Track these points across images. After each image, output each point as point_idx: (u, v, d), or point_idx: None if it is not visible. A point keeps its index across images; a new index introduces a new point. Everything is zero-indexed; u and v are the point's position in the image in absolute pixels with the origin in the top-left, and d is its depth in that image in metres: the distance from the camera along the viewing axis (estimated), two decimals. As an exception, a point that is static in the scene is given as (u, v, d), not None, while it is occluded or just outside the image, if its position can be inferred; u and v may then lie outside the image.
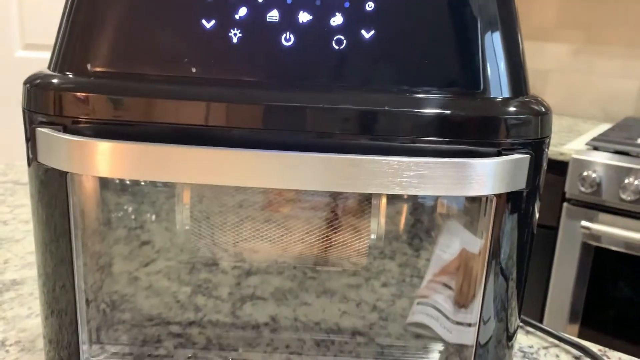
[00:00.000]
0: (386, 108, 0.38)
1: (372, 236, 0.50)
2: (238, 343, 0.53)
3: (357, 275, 0.58)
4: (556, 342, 0.59)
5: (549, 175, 1.43)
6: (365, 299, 0.57)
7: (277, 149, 0.38)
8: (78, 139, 0.38)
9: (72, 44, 0.40)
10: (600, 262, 1.40)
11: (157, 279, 0.56)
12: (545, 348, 0.58)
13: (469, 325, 0.46)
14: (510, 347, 0.46)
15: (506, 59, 0.40)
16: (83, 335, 0.45)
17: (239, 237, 0.50)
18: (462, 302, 0.49)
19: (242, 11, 0.39)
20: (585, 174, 1.37)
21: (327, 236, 0.50)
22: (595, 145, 1.41)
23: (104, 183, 0.49)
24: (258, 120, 0.39)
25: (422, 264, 0.56)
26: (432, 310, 0.54)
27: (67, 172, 0.40)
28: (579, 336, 1.32)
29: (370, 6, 0.39)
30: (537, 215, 0.43)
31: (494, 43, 0.40)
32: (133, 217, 0.55)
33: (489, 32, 0.40)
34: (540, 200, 0.42)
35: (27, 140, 0.40)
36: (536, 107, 0.40)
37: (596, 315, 1.43)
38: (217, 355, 0.51)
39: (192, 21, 0.39)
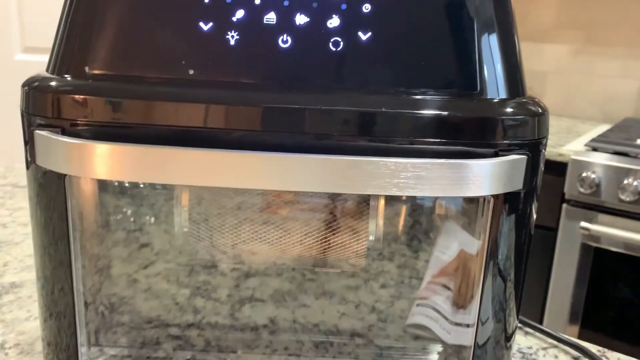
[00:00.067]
0: (383, 109, 0.38)
1: (371, 237, 0.50)
2: (237, 345, 0.53)
3: (356, 276, 0.59)
4: (555, 342, 0.59)
5: (548, 176, 1.43)
6: (364, 301, 0.58)
7: (275, 151, 0.38)
8: (76, 142, 0.38)
9: (71, 47, 0.40)
10: (599, 262, 1.40)
11: (156, 281, 0.56)
12: (544, 349, 0.58)
13: (468, 326, 0.46)
14: (509, 348, 0.46)
15: (503, 60, 0.40)
16: (82, 338, 0.45)
17: (238, 239, 0.50)
18: (460, 303, 0.49)
19: (240, 13, 0.40)
20: (584, 174, 1.37)
21: (325, 238, 0.50)
22: (595, 146, 1.41)
23: (103, 185, 0.50)
24: (256, 122, 0.39)
25: (420, 265, 0.56)
26: (431, 311, 0.54)
27: (66, 175, 0.40)
28: (579, 337, 1.31)
29: (367, 8, 0.40)
30: (534, 216, 0.43)
31: (490, 44, 0.40)
32: (132, 219, 0.55)
33: (486, 34, 0.40)
34: (538, 201, 0.43)
35: (26, 143, 0.40)
36: (533, 108, 0.40)
37: (596, 316, 1.43)
38: (216, 357, 0.51)
39: (189, 23, 0.40)
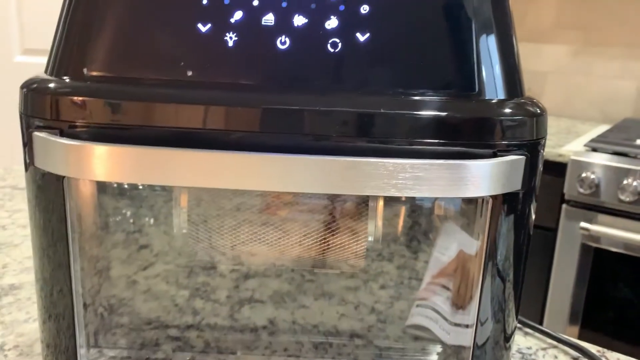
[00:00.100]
0: (382, 110, 0.39)
1: (370, 238, 0.50)
2: (236, 346, 0.53)
3: (355, 277, 0.59)
4: (554, 343, 0.59)
5: (548, 177, 1.43)
6: (364, 302, 0.58)
7: (274, 152, 0.38)
8: (75, 143, 0.38)
9: (69, 49, 0.40)
10: (599, 263, 1.40)
11: (155, 283, 0.56)
12: (544, 349, 0.58)
13: (467, 326, 0.46)
14: (508, 348, 0.46)
15: (501, 60, 0.40)
16: (81, 339, 0.45)
17: (237, 240, 0.50)
18: (459, 303, 0.49)
19: (238, 15, 0.40)
20: (584, 175, 1.37)
21: (324, 239, 0.50)
22: (594, 146, 1.42)
23: (101, 187, 0.50)
24: (254, 123, 0.39)
25: (419, 266, 0.56)
26: (431, 312, 0.54)
27: (64, 177, 0.40)
28: (579, 337, 1.31)
29: (365, 9, 0.40)
30: (533, 216, 0.43)
31: (488, 45, 0.40)
32: (131, 221, 0.55)
33: (484, 34, 0.40)
34: (537, 201, 0.43)
35: (24, 144, 0.40)
36: (531, 109, 0.40)
37: (596, 317, 1.43)
38: (215, 358, 0.51)
39: (188, 25, 0.40)
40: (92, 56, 0.40)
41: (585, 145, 1.44)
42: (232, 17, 0.40)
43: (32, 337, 0.54)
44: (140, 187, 0.54)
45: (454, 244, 0.51)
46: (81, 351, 0.45)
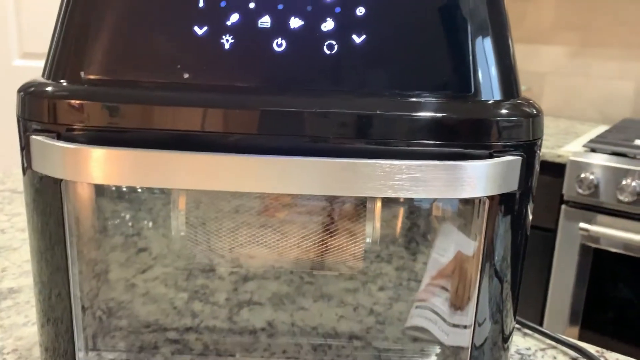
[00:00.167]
0: (378, 112, 0.39)
1: (368, 240, 0.50)
2: (235, 348, 0.53)
3: (354, 279, 0.59)
4: (553, 343, 0.59)
5: (547, 178, 1.44)
6: (362, 303, 0.58)
7: (271, 154, 0.38)
8: (72, 146, 0.38)
9: (66, 52, 0.40)
10: (599, 263, 1.40)
11: (154, 286, 0.56)
12: (543, 350, 0.58)
13: (465, 327, 0.46)
14: (506, 349, 0.46)
15: (497, 61, 0.41)
16: (79, 343, 0.45)
17: (235, 242, 0.50)
18: (458, 304, 0.49)
19: (234, 17, 0.40)
20: (582, 175, 1.37)
21: (323, 240, 0.50)
22: (593, 147, 1.42)
23: (99, 190, 0.50)
24: (251, 125, 0.39)
25: (418, 268, 0.56)
26: (430, 313, 0.54)
27: (62, 180, 0.40)
28: (580, 338, 1.31)
29: (361, 11, 0.40)
30: (530, 217, 0.43)
31: (484, 46, 0.40)
32: (129, 224, 0.55)
33: (480, 35, 0.40)
34: (534, 202, 0.43)
35: (22, 148, 0.40)
36: (527, 109, 0.40)
37: (596, 317, 1.43)
38: (214, 360, 0.51)
39: (184, 28, 0.40)
40: (89, 59, 0.40)
41: (584, 146, 1.44)
42: (229, 20, 0.40)
43: (31, 341, 0.54)
44: (138, 189, 0.54)
45: (452, 245, 0.51)
46: (80, 354, 0.45)
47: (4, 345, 0.54)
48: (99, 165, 0.38)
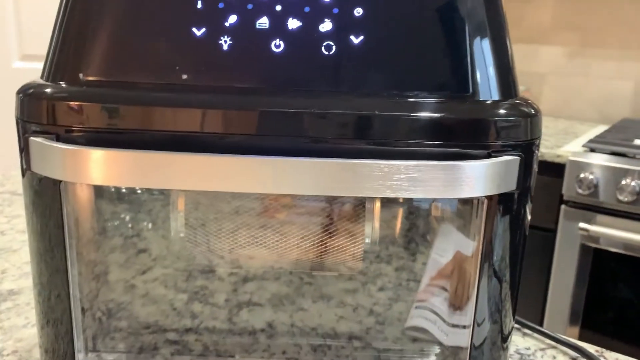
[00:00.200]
0: (377, 112, 0.39)
1: (367, 240, 0.50)
2: (235, 349, 0.53)
3: (353, 279, 0.59)
4: (553, 343, 0.59)
5: (547, 178, 1.44)
6: (362, 304, 0.58)
7: (270, 155, 0.38)
8: (71, 148, 0.38)
9: (65, 54, 0.41)
10: (599, 263, 1.40)
11: (154, 287, 0.57)
12: (542, 350, 0.58)
13: (464, 327, 0.46)
14: (506, 349, 0.46)
15: (495, 62, 0.41)
16: (79, 344, 0.45)
17: (235, 243, 0.50)
18: (457, 304, 0.49)
19: (232, 18, 0.40)
20: (582, 175, 1.37)
21: (322, 241, 0.50)
22: (592, 147, 1.42)
23: (98, 191, 0.50)
24: (250, 126, 0.39)
25: (417, 268, 0.56)
26: (429, 313, 0.54)
27: (61, 181, 0.40)
28: (580, 338, 1.31)
29: (359, 12, 0.40)
30: (529, 217, 0.43)
31: (482, 46, 0.40)
32: (128, 225, 0.55)
33: (478, 36, 0.40)
34: (532, 202, 0.43)
35: (21, 150, 0.41)
36: (525, 109, 0.40)
37: (596, 317, 1.43)
38: (213, 361, 0.51)
39: (183, 29, 0.40)
40: (87, 61, 0.40)
41: (583, 146, 1.44)
42: (227, 21, 0.40)
43: (31, 342, 0.54)
44: (138, 191, 0.54)
45: (451, 245, 0.51)
46: (79, 356, 0.45)
47: (4, 346, 0.54)
48: (98, 167, 0.38)
